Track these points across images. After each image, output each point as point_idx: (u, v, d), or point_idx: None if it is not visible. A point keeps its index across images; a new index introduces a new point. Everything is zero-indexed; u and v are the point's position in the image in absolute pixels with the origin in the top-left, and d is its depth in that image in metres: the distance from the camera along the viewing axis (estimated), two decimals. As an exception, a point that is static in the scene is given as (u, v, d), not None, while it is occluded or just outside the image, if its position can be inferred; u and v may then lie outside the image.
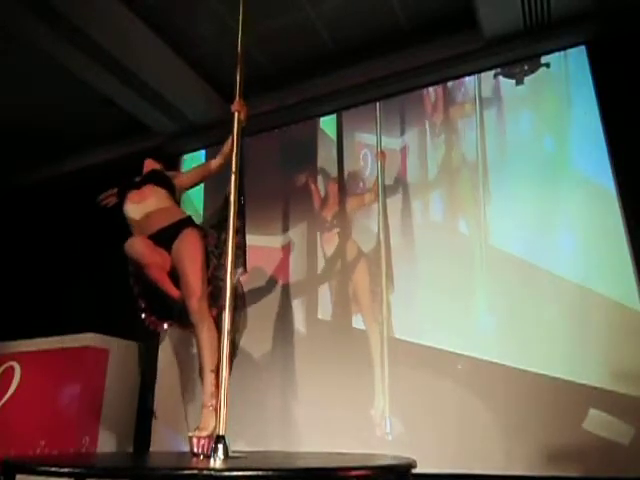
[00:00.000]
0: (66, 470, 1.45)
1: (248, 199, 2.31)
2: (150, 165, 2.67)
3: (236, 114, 2.24)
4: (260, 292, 3.61)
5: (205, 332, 2.15)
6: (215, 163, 2.64)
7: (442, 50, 3.51)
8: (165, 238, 2.28)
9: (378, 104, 3.73)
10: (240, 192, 2.10)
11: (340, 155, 3.79)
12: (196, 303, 2.15)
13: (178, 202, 2.56)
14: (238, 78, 2.32)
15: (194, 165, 2.89)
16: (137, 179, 2.51)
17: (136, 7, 3.27)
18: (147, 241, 2.24)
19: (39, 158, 4.91)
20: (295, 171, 3.91)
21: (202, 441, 1.94)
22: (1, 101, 4.18)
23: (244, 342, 3.49)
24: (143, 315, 2.39)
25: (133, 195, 2.40)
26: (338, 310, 3.41)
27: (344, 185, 3.69)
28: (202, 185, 4.29)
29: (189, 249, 2.24)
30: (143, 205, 2.35)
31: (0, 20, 3.19)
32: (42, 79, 3.92)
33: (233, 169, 2.11)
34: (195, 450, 1.94)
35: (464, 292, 3.05)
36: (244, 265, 2.21)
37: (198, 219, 4.15)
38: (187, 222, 2.37)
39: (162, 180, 2.49)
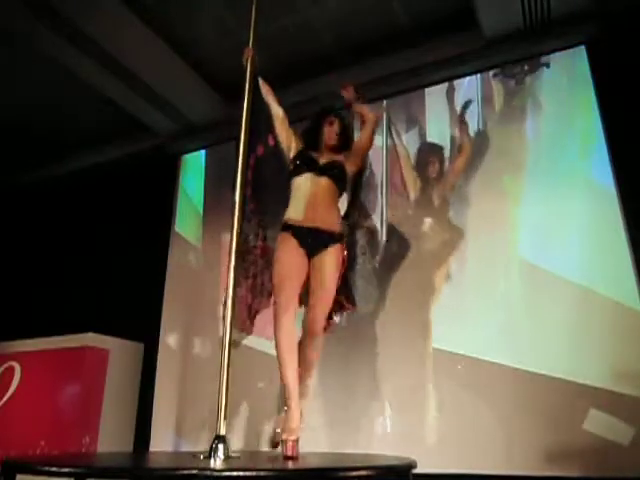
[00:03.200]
0: (66, 470, 1.45)
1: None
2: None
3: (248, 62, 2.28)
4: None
5: (315, 353, 2.10)
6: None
7: (442, 50, 3.52)
8: (317, 242, 2.12)
9: (385, 102, 3.73)
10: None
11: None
12: (320, 330, 2.06)
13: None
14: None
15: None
16: (320, 158, 2.26)
17: (136, 8, 3.28)
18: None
19: (39, 158, 4.91)
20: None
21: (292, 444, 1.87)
22: (1, 101, 4.18)
23: (246, 342, 3.51)
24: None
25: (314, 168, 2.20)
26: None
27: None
28: (202, 185, 4.32)
29: (334, 268, 2.10)
30: (318, 186, 2.16)
31: (0, 20, 3.19)
32: (42, 79, 3.92)
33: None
34: (288, 454, 1.85)
35: (464, 292, 3.05)
36: None
37: (198, 219, 4.20)
38: (339, 237, 2.17)
39: (341, 176, 2.25)
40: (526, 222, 3.04)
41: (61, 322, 3.95)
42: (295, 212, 2.17)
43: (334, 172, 2.21)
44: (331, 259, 2.10)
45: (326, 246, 2.10)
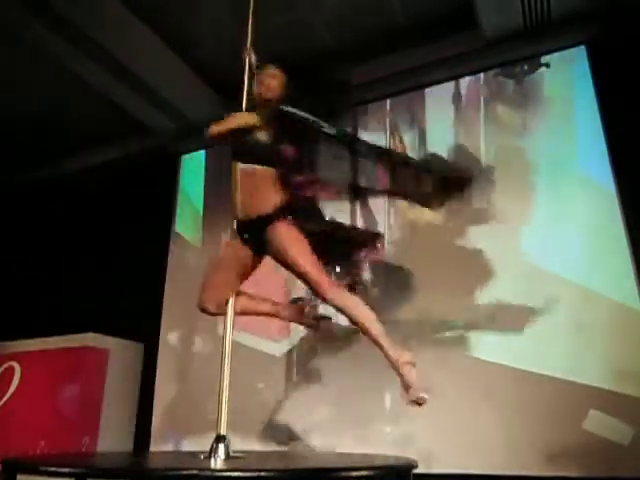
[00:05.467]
0: (66, 470, 1.45)
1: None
2: None
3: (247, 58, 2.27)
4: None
5: (348, 301, 1.96)
6: None
7: (442, 50, 3.51)
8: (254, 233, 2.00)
9: (373, 105, 3.73)
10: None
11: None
12: (327, 291, 1.92)
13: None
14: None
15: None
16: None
17: (136, 7, 3.27)
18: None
19: (39, 158, 4.91)
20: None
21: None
22: (2, 101, 4.18)
23: (244, 341, 3.51)
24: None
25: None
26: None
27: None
28: (202, 185, 4.32)
29: (285, 244, 1.93)
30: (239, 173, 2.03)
31: (0, 21, 3.19)
32: (42, 79, 3.92)
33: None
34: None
35: (464, 292, 3.05)
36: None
37: (198, 219, 4.20)
38: (274, 216, 1.97)
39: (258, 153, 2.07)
40: (526, 222, 3.04)
41: (61, 322, 3.95)
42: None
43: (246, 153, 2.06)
44: (275, 239, 1.93)
45: (264, 231, 1.95)
